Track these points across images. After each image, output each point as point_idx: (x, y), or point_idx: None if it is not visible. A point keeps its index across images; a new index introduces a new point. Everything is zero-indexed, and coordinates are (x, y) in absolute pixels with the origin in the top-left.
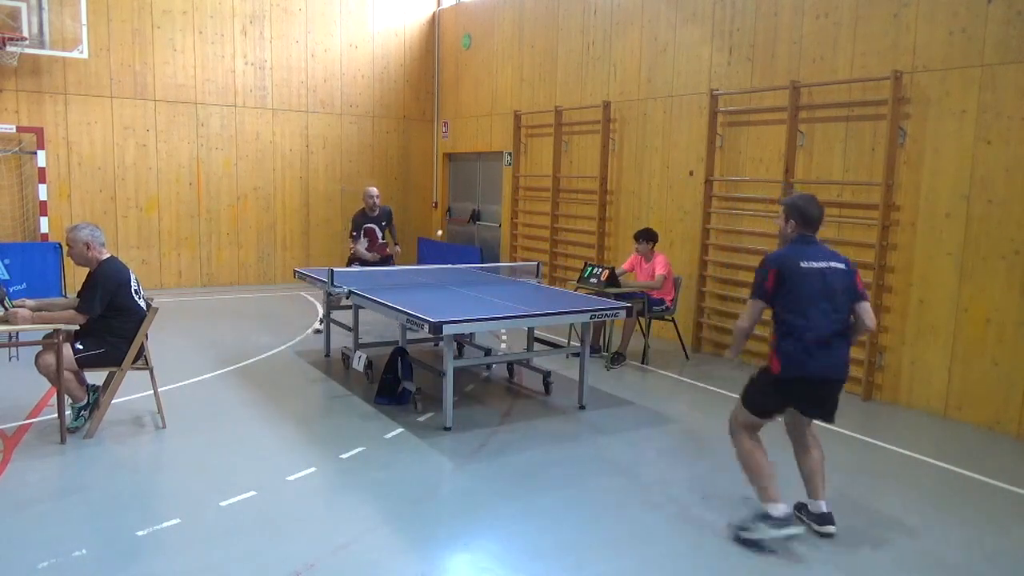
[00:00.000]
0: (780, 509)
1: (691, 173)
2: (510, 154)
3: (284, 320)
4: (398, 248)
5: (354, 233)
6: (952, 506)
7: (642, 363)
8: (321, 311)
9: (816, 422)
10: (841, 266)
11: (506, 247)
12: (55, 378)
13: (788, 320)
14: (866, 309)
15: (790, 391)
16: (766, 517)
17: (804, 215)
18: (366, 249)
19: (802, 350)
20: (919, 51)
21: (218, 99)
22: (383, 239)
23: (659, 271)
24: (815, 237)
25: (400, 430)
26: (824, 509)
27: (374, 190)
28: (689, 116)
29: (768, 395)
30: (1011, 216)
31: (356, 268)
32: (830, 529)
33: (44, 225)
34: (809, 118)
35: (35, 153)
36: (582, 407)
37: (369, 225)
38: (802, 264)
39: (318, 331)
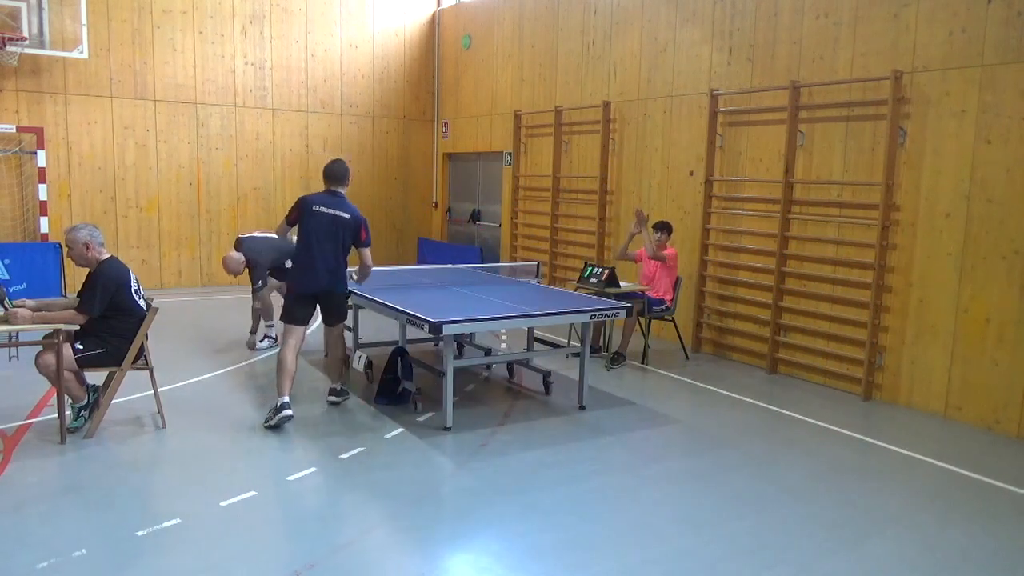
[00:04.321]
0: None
1: (691, 173)
2: (510, 154)
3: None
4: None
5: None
6: (952, 506)
7: (642, 363)
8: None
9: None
10: (346, 216)
11: (506, 247)
12: (55, 378)
13: (299, 253)
14: (366, 254)
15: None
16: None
17: (326, 173)
18: None
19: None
20: (919, 51)
21: (218, 99)
22: None
23: (668, 253)
24: (338, 191)
25: (400, 430)
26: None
27: None
28: (689, 116)
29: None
30: (1011, 216)
31: None
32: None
33: (44, 225)
34: (809, 118)
35: (35, 153)
36: (582, 407)
37: None
38: (314, 207)
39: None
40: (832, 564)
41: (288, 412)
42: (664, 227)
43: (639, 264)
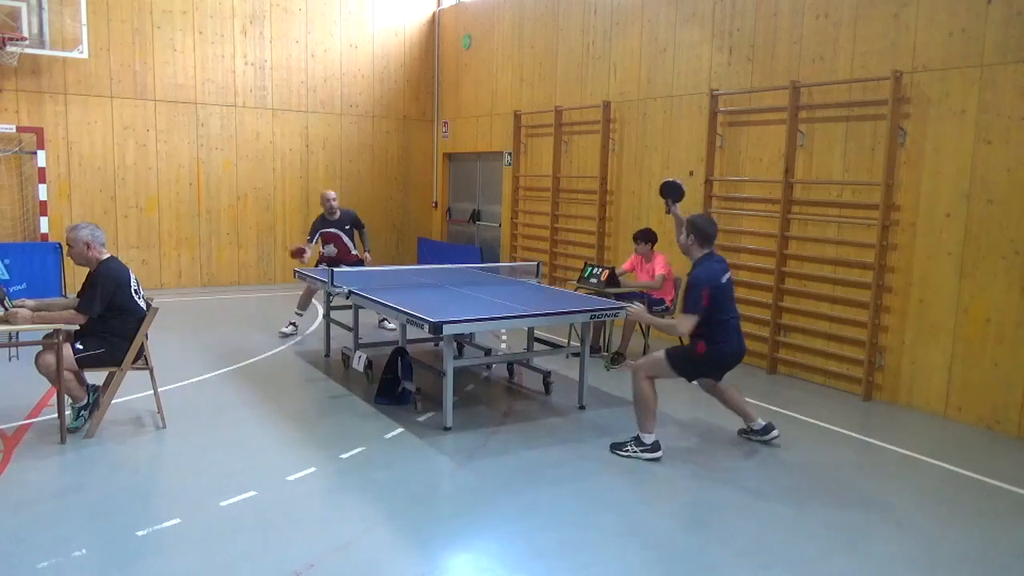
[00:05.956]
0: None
1: (691, 173)
2: (510, 154)
3: (284, 320)
4: (368, 255)
5: (309, 238)
6: (952, 506)
7: None
8: (320, 311)
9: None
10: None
11: (506, 247)
12: (55, 378)
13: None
14: None
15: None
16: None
17: (703, 233)
18: (335, 256)
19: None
20: (919, 51)
21: (218, 99)
22: (353, 245)
23: (659, 271)
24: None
25: (400, 430)
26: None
27: (331, 193)
28: (689, 116)
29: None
30: (1011, 216)
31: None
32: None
33: (44, 225)
34: (809, 118)
35: (35, 153)
36: (582, 407)
37: (330, 230)
38: (723, 280)
39: (285, 335)
40: (832, 564)
41: (658, 454)
42: (647, 237)
43: (633, 271)
